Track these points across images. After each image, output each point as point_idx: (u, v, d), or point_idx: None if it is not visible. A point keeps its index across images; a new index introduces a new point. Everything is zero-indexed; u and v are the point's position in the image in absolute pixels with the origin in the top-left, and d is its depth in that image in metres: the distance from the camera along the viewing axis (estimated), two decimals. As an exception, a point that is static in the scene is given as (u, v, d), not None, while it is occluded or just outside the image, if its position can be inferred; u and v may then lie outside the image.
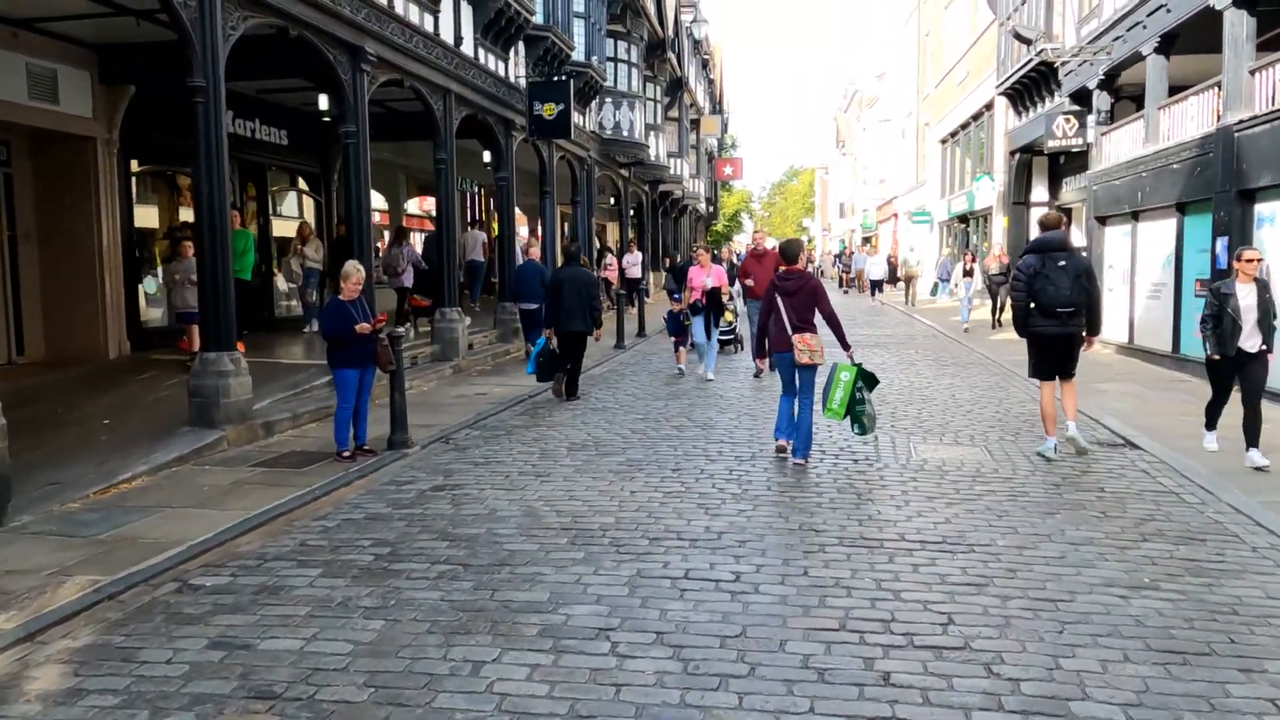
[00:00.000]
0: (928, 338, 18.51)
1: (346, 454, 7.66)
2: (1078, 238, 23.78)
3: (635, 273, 24.62)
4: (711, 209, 56.55)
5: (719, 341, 13.07)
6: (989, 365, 13.65)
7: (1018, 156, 23.28)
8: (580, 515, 6.08)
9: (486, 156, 15.76)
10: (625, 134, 22.46)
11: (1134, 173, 13.87)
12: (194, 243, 9.07)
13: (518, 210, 26.13)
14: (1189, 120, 12.27)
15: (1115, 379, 12.12)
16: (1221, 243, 11.03)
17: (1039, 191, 23.85)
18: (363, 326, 7.70)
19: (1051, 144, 16.05)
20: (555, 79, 15.73)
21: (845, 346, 7.66)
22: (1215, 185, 11.18)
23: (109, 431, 8.12)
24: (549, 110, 15.48)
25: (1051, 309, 7.24)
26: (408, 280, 15.18)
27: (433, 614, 4.45)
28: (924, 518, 5.95)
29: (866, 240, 50.23)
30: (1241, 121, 10.56)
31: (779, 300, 7.49)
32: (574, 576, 4.94)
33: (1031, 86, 20.66)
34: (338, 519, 6.08)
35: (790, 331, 7.37)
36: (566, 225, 25.51)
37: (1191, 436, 8.24)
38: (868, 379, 7.33)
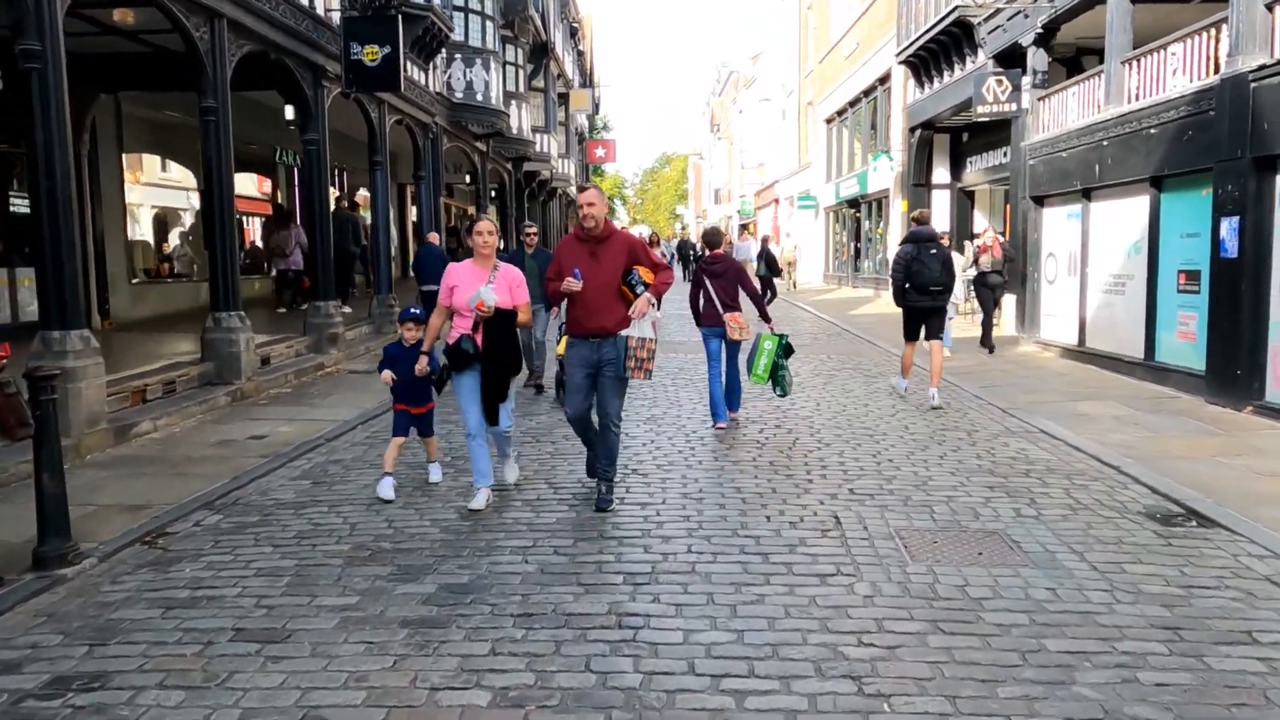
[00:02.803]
0: (832, 336, 15.97)
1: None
2: (979, 222, 22.04)
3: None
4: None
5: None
6: (928, 377, 11.06)
7: (919, 133, 21.11)
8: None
9: (290, 113, 12.12)
10: (479, 98, 19.03)
11: (1088, 142, 11.54)
12: None
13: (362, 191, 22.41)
14: (1171, 74, 9.94)
15: (1087, 396, 9.69)
16: (1230, 224, 8.68)
17: (940, 173, 21.80)
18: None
19: (981, 110, 13.67)
20: (379, 11, 12.23)
21: (766, 320, 8.46)
22: (1219, 152, 8.83)
23: None
24: (371, 54, 11.98)
25: (924, 288, 8.94)
26: (296, 263, 14.77)
27: None
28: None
29: (744, 228, 48.17)
30: (1264, 68, 8.19)
31: (707, 282, 8.28)
32: None
33: (939, 52, 18.39)
34: None
35: (721, 310, 8.17)
36: (416, 208, 21.88)
37: (1271, 497, 5.73)
38: (786, 349, 8.10)
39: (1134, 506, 5.77)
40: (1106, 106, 11.11)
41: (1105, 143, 11.07)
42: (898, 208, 22.40)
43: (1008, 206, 19.09)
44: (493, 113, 19.60)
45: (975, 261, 12.89)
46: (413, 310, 6.41)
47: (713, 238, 8.79)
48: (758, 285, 11.16)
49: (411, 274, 16.53)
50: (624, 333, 5.54)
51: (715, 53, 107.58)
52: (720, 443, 7.64)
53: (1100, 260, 11.66)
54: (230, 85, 9.85)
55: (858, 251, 28.11)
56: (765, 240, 24.36)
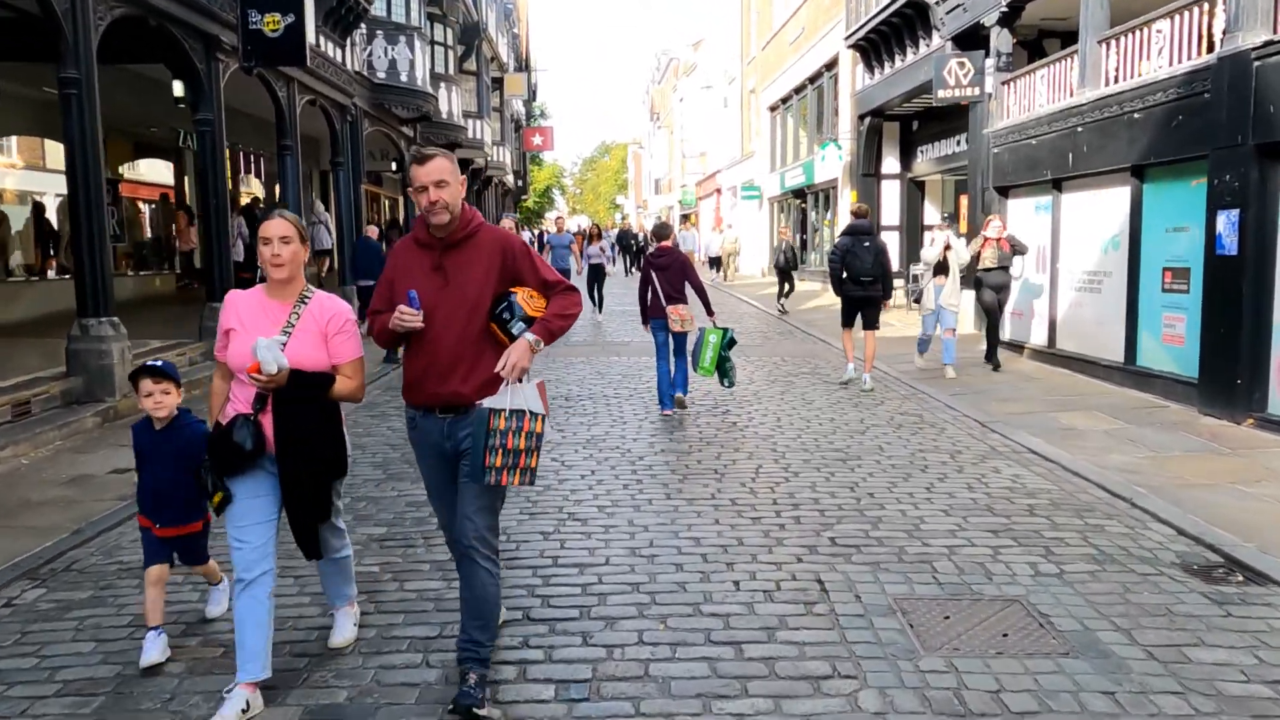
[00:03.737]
0: (783, 335, 15.03)
1: None
2: (932, 214, 21.35)
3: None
4: (521, 183, 51.87)
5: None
6: (891, 384, 10.16)
7: (868, 121, 20.30)
8: None
9: (178, 89, 10.67)
10: (404, 79, 17.65)
11: (1060, 128, 10.72)
12: None
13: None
14: (1155, 54, 9.12)
15: (1068, 405, 8.85)
16: (1228, 218, 7.87)
17: (890, 163, 21.04)
18: None
19: (943, 94, 12.79)
20: (281, -24, 10.84)
21: (710, 313, 8.54)
22: (1215, 138, 8.01)
23: None
24: (272, 24, 10.60)
25: (858, 278, 9.34)
26: (238, 255, 14.31)
27: None
28: None
29: (685, 218, 47.25)
30: (1270, 44, 7.37)
31: (653, 275, 8.38)
32: None
33: (891, 35, 17.56)
34: None
35: (665, 303, 8.29)
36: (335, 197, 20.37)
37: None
38: (729, 342, 8.23)
39: (1165, 555, 4.85)
40: (1081, 89, 10.28)
41: (1080, 129, 10.24)
42: (846, 198, 21.57)
43: (962, 197, 18.40)
44: (419, 95, 18.23)
45: (977, 257, 10.58)
46: (152, 363, 3.81)
47: (661, 231, 8.98)
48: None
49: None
50: (486, 403, 3.21)
51: (655, 39, 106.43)
52: (672, 471, 6.56)
53: (1073, 256, 10.86)
54: (103, 54, 8.47)
55: (804, 243, 27.30)
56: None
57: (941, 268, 10.24)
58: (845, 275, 9.48)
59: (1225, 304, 7.97)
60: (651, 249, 8.91)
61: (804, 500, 5.82)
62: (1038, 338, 11.67)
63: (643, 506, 5.71)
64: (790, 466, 6.66)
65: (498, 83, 32.04)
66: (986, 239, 10.61)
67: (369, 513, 5.65)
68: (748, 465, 6.71)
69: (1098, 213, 10.31)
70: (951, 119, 18.47)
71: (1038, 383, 10.15)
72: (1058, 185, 11.08)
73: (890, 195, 21.06)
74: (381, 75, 17.22)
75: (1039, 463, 6.83)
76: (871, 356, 9.81)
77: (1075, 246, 10.80)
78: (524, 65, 41.32)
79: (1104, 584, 4.45)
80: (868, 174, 20.78)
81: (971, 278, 11.23)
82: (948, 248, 10.31)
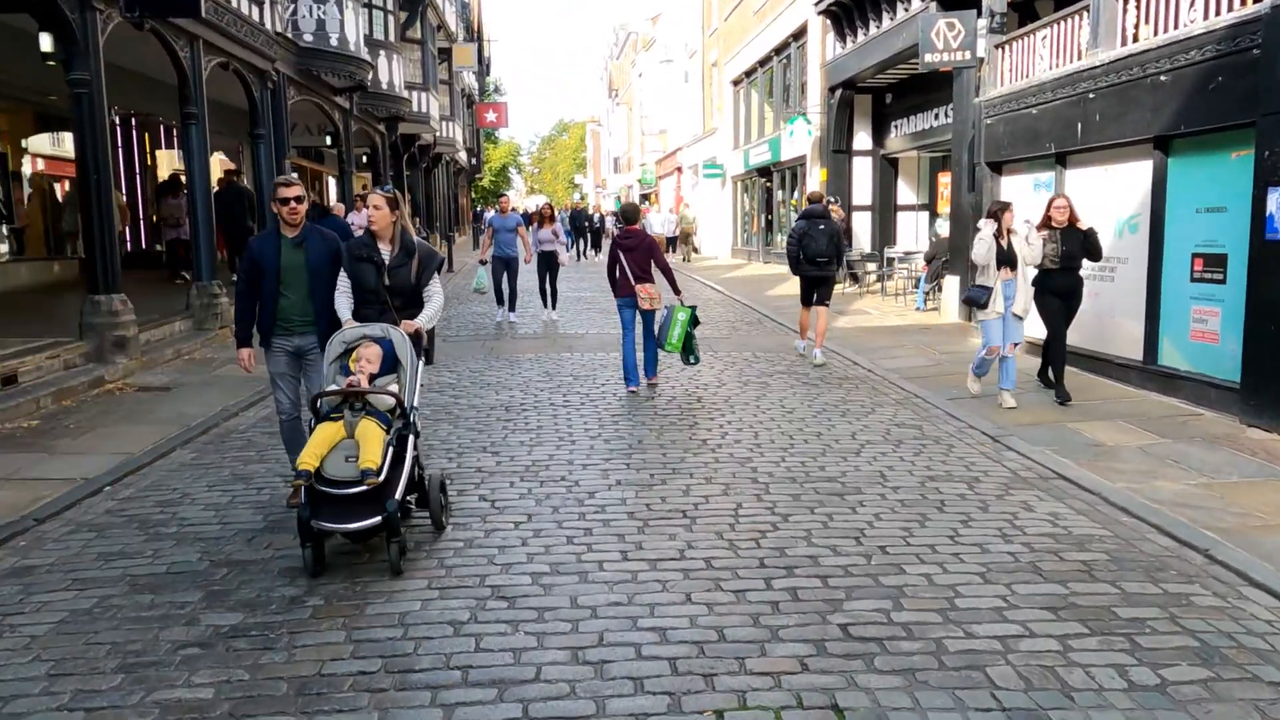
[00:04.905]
0: (751, 325, 13.75)
1: None
2: (906, 193, 20.19)
3: (363, 238, 18.34)
4: (475, 161, 50.03)
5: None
6: (879, 384, 8.93)
7: (839, 94, 19.01)
8: None
9: (45, 43, 9.01)
10: (334, 42, 15.98)
11: (1066, 95, 9.50)
12: None
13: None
14: (1184, 6, 7.90)
15: (1087, 414, 7.63)
16: (1279, 197, 6.70)
17: (862, 138, 19.80)
18: None
19: (930, 58, 11.49)
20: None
21: (676, 292, 8.77)
22: (1268, 101, 6.81)
23: None
24: (159, -34, 9.01)
25: (814, 259, 10.00)
26: (186, 233, 13.93)
27: None
28: None
29: (645, 198, 45.77)
30: (1343, -13, 6.17)
31: (621, 255, 8.65)
32: None
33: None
34: None
35: (633, 282, 8.55)
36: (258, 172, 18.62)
37: None
38: (693, 320, 8.59)
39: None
40: (1093, 50, 9.05)
41: (1092, 95, 9.03)
42: (816, 176, 20.32)
43: (941, 176, 17.24)
44: (352, 61, 16.56)
45: (1045, 250, 7.92)
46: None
47: (629, 213, 9.14)
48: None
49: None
50: None
51: (614, 13, 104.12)
52: (630, 515, 5.23)
53: (1079, 239, 9.66)
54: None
55: (769, 224, 26.05)
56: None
57: (1006, 258, 7.80)
58: (801, 256, 10.00)
59: (1276, 296, 6.80)
60: (619, 230, 9.19)
61: (799, 560, 4.52)
62: (1035, 330, 10.48)
63: (591, 574, 4.37)
64: (777, 506, 5.36)
65: (445, 53, 30.25)
66: (1045, 220, 7.90)
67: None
68: (724, 505, 5.39)
69: (1111, 190, 9.12)
70: (928, 91, 17.27)
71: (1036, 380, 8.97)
72: (1061, 160, 9.88)
73: (862, 173, 19.83)
74: (308, 38, 15.54)
75: (1075, 493, 5.62)
76: (823, 331, 10.36)
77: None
78: (475, 36, 39.42)
79: (1227, 705, 3.21)
80: (839, 150, 19.53)
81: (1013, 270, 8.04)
82: (1003, 235, 7.78)
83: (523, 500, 5.51)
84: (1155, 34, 8.23)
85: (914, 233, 19.82)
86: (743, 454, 6.49)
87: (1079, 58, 9.41)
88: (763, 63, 24.94)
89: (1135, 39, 8.51)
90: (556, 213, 17.49)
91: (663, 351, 8.67)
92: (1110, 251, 9.16)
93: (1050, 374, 8.29)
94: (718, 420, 7.55)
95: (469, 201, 53.44)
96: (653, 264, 8.65)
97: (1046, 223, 7.97)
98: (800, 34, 21.44)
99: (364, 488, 4.18)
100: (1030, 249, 7.89)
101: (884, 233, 19.50)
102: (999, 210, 7.92)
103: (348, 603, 4.06)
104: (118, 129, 17.48)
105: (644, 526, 5.03)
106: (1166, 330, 8.30)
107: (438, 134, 29.19)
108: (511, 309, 13.85)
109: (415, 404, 4.80)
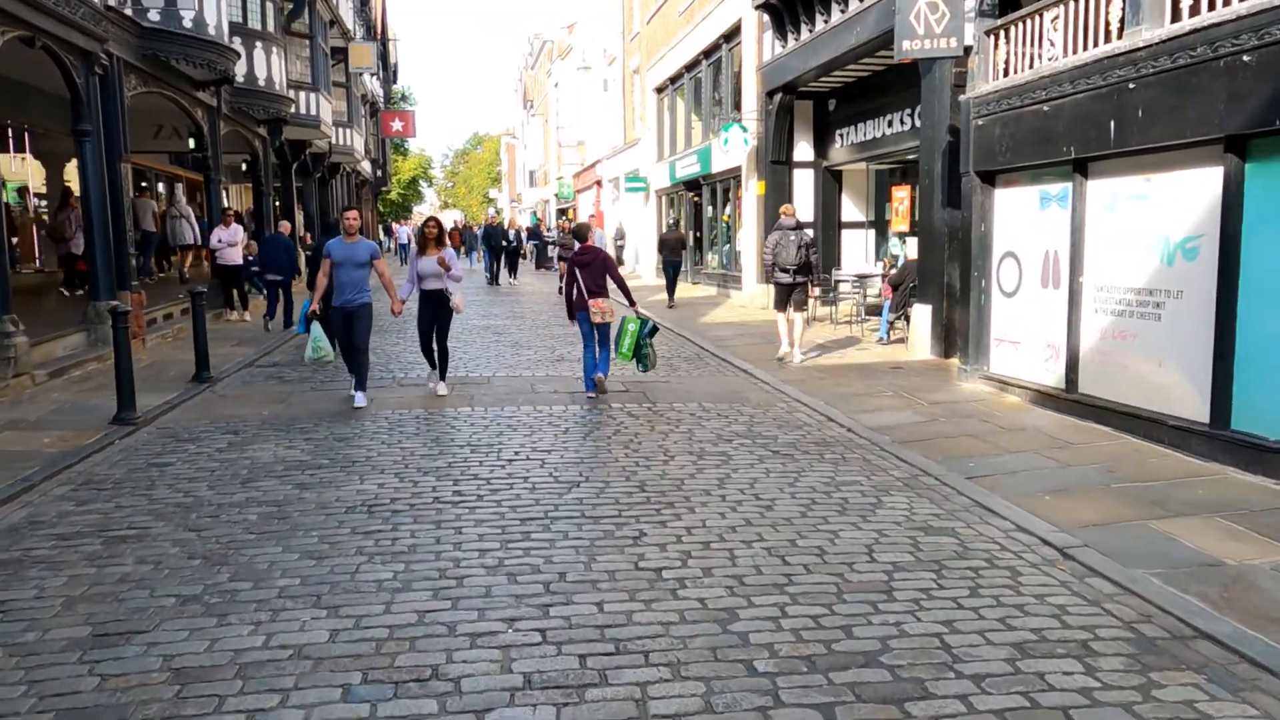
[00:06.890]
0: (691, 361, 11.56)
1: None
2: (851, 209, 18.37)
3: (233, 257, 15.68)
4: (381, 173, 46.99)
5: None
6: (869, 452, 6.82)
7: (778, 99, 17.10)
8: None
9: None
10: (188, 24, 13.31)
11: (1091, 87, 7.60)
12: None
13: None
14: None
15: (1153, 498, 5.66)
16: None
17: (803, 149, 17.92)
18: None
19: (909, 46, 9.52)
20: None
21: (631, 304, 9.36)
22: None
23: None
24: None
25: (785, 267, 10.93)
26: (77, 247, 13.79)
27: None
28: None
29: (563, 213, 43.46)
30: None
31: (577, 271, 9.03)
32: None
33: (813, -11, 14.38)
34: None
35: (587, 296, 8.93)
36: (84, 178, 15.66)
37: None
38: (652, 330, 9.11)
39: None
40: (1134, 29, 7.16)
41: (1132, 85, 7.12)
42: (753, 189, 18.34)
43: (897, 189, 15.41)
44: (212, 48, 13.89)
45: None
46: None
47: (581, 232, 9.53)
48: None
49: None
50: None
51: (529, 23, 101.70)
52: (584, 667, 2.94)
53: (1108, 266, 7.77)
54: None
55: (698, 241, 24.03)
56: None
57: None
58: (774, 264, 10.96)
59: None
60: (576, 248, 9.33)
61: None
62: (1044, 376, 8.57)
63: None
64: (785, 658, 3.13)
65: (341, 53, 27.50)
66: None
67: None
68: (704, 663, 3.13)
69: (1155, 205, 7.22)
70: (876, 96, 15.50)
71: (1073, 450, 6.97)
72: (1081, 168, 7.98)
73: (803, 187, 17.94)
74: (154, 16, 12.85)
75: (1241, 669, 3.56)
76: (801, 335, 11.44)
77: (1112, 253, 7.71)
78: (376, 35, 36.58)
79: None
80: (778, 161, 17.59)
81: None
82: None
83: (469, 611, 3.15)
84: (1228, 3, 6.35)
85: (861, 252, 18.02)
86: (718, 610, 4.22)
87: (1110, 39, 7.52)
88: (689, 68, 22.96)
89: (1196, 11, 6.63)
90: (450, 229, 14.69)
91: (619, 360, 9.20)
92: (1152, 283, 7.27)
93: None
94: (671, 528, 5.30)
95: (375, 215, 50.17)
96: (608, 278, 9.11)
97: None
98: (733, 34, 19.50)
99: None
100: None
101: (828, 252, 17.60)
102: None
103: None
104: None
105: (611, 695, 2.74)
106: (1247, 384, 6.39)
107: (332, 141, 26.39)
108: (443, 375, 9.52)
109: None
